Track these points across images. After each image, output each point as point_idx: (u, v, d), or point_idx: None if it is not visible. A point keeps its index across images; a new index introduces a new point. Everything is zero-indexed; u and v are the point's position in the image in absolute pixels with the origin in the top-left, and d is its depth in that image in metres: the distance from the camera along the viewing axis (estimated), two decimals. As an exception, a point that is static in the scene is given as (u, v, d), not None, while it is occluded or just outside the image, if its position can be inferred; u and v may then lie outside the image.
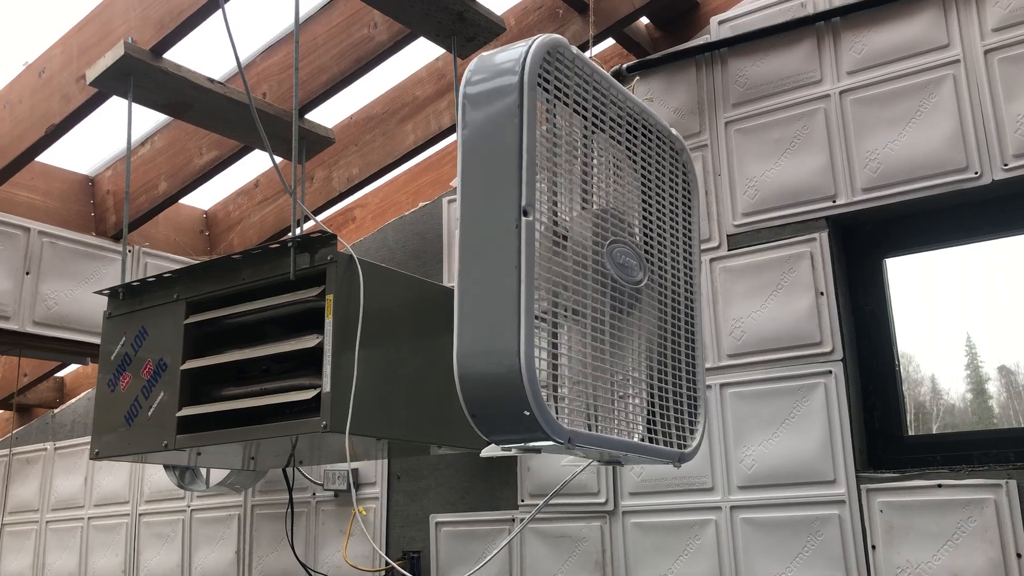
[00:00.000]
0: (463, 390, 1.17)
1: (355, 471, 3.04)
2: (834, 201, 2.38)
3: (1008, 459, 2.15)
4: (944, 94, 2.28)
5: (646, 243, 1.46)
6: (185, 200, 3.29)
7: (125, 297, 2.11)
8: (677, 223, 1.49)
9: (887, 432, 2.34)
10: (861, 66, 2.41)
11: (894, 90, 2.35)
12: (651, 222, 1.46)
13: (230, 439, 1.87)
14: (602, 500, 2.56)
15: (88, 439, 3.80)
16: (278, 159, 2.86)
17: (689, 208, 1.51)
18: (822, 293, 2.35)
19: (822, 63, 2.47)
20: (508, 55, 1.22)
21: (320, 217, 3.42)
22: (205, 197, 3.41)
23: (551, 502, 2.63)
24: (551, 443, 1.20)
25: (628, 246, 1.58)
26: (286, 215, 3.15)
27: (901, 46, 2.36)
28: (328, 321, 1.76)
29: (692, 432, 1.42)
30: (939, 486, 2.12)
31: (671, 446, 1.41)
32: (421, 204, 3.20)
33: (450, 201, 3.05)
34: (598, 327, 1.34)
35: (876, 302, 2.42)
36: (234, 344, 2.05)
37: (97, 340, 2.87)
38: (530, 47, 1.21)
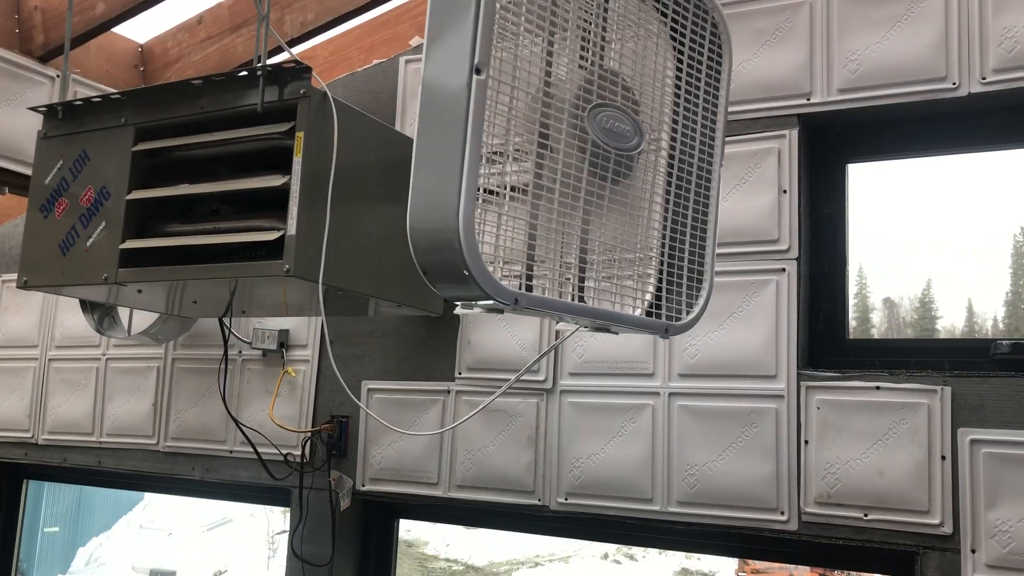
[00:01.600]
0: (413, 245, 1.21)
1: (286, 332, 2.95)
2: (808, 99, 2.35)
3: (943, 367, 2.22)
4: None
5: (665, 108, 1.40)
6: (119, 30, 3.05)
7: (65, 117, 1.94)
8: (698, 87, 1.43)
9: (830, 333, 2.38)
10: (853, -38, 2.35)
11: (883, -9, 2.30)
12: (673, 86, 1.40)
13: (179, 276, 1.76)
14: (541, 377, 2.55)
15: (-3, 275, 3.60)
16: (230, -8, 2.66)
17: (716, 72, 1.45)
18: (785, 191, 2.34)
19: (813, -45, 2.40)
20: None
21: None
22: (141, 29, 3.17)
23: (486, 376, 2.62)
24: (495, 302, 1.24)
25: (620, 111, 1.52)
26: (231, 56, 2.95)
27: (896, -54, 2.30)
28: (297, 160, 1.65)
29: (689, 306, 1.40)
30: (877, 388, 2.18)
31: (658, 317, 1.38)
32: (376, 61, 3.04)
33: (407, 61, 2.90)
34: (568, 191, 1.31)
35: (835, 206, 2.43)
36: (181, 180, 1.92)
37: (16, 167, 2.67)
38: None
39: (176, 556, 14.41)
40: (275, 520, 15.01)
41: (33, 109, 1.96)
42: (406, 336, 2.79)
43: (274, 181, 1.67)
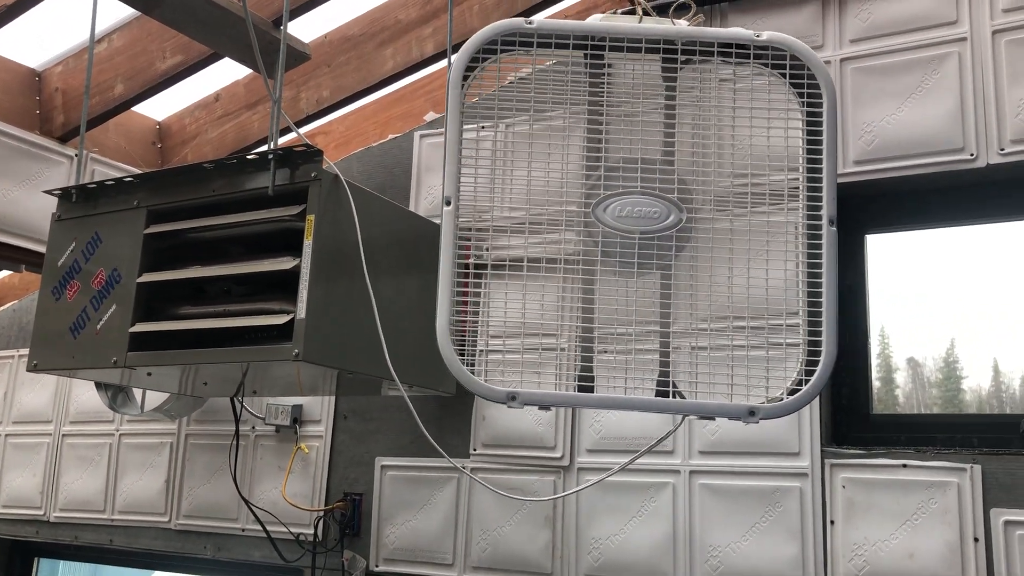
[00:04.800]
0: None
1: (299, 408, 2.92)
2: (824, 171, 2.33)
3: (972, 444, 2.15)
4: (948, 71, 2.23)
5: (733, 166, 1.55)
6: (138, 108, 3.09)
7: (78, 199, 1.95)
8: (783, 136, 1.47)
9: (854, 408, 2.32)
10: (865, 35, 2.35)
11: (897, 63, 2.30)
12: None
13: (188, 360, 1.74)
14: (558, 455, 2.50)
15: (10, 352, 3.60)
16: (246, 71, 2.70)
17: (815, 125, 1.49)
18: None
19: (825, 28, 2.40)
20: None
21: (281, 141, 3.25)
22: (159, 107, 3.21)
23: (501, 453, 2.57)
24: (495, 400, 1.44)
25: (642, 195, 1.56)
26: (247, 133, 2.97)
27: (908, 18, 2.30)
28: (307, 243, 1.64)
29: (797, 383, 1.41)
30: (904, 466, 2.11)
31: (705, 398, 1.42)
32: (391, 136, 3.05)
33: (422, 136, 2.91)
34: (576, 284, 1.48)
35: (855, 278, 2.39)
36: (193, 261, 1.91)
37: (34, 246, 2.68)
38: (457, 54, 1.41)
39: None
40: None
41: (48, 192, 1.97)
42: (421, 411, 2.74)
43: (284, 264, 1.66)
